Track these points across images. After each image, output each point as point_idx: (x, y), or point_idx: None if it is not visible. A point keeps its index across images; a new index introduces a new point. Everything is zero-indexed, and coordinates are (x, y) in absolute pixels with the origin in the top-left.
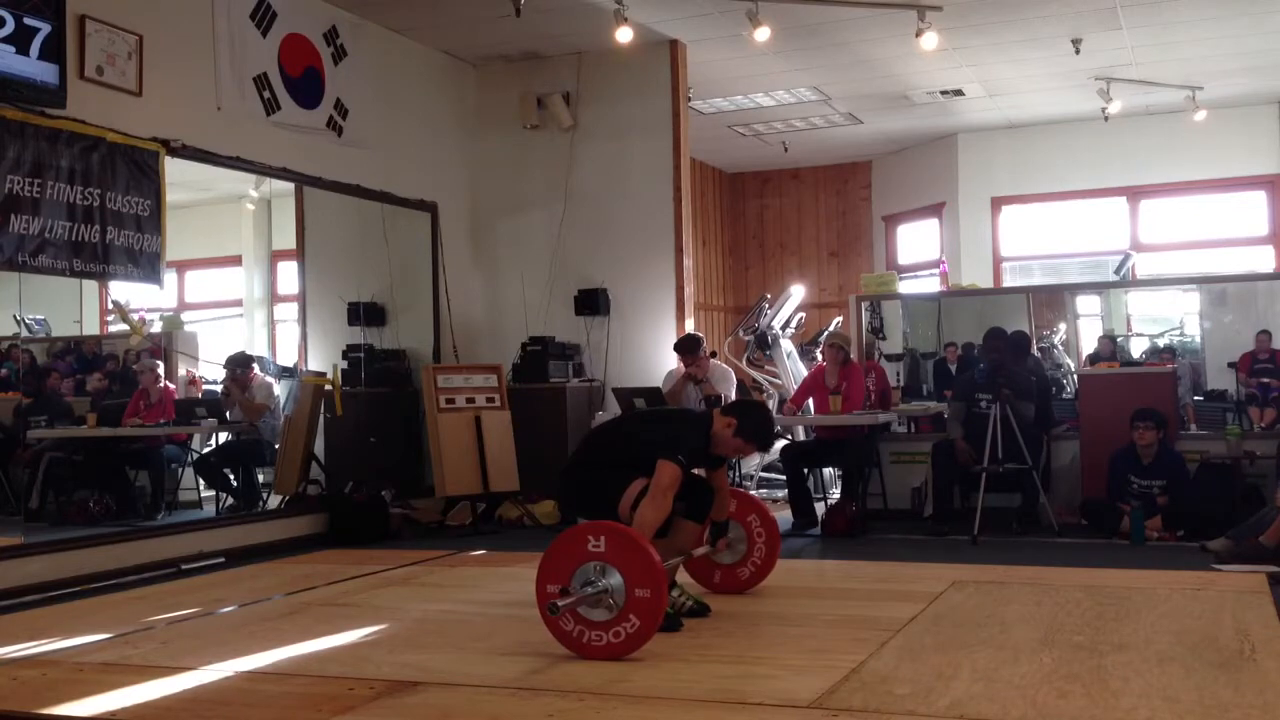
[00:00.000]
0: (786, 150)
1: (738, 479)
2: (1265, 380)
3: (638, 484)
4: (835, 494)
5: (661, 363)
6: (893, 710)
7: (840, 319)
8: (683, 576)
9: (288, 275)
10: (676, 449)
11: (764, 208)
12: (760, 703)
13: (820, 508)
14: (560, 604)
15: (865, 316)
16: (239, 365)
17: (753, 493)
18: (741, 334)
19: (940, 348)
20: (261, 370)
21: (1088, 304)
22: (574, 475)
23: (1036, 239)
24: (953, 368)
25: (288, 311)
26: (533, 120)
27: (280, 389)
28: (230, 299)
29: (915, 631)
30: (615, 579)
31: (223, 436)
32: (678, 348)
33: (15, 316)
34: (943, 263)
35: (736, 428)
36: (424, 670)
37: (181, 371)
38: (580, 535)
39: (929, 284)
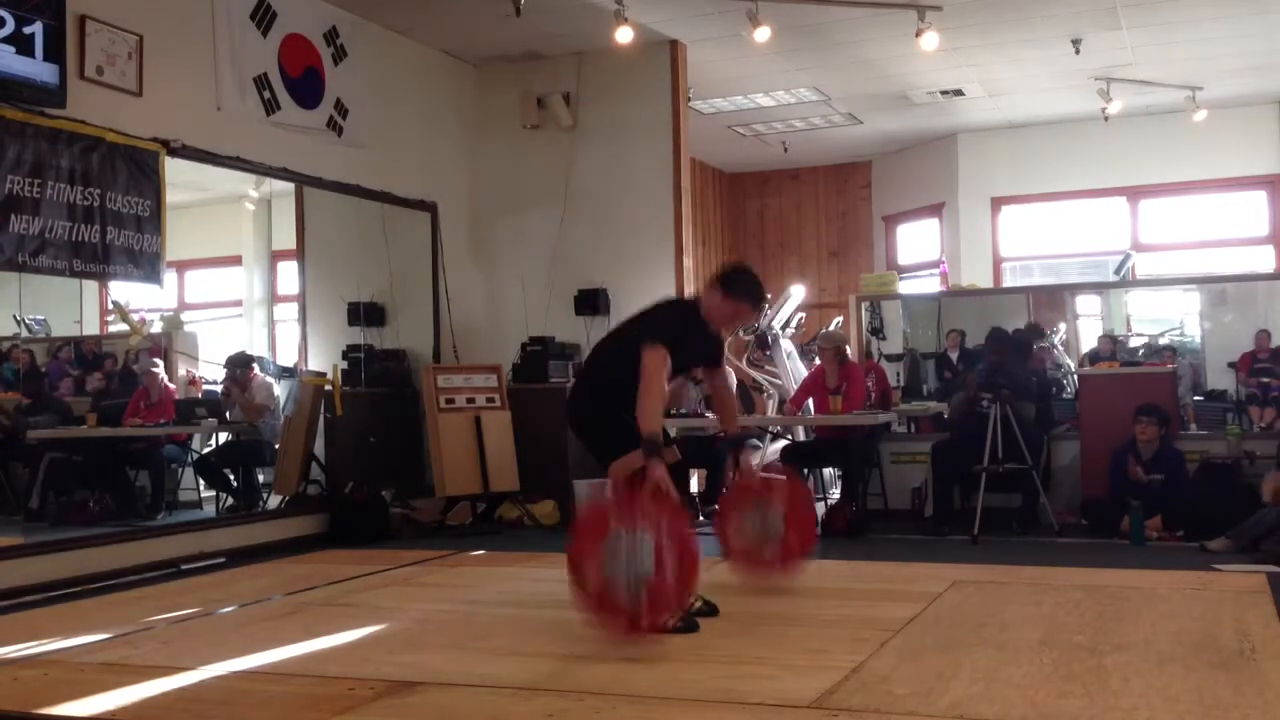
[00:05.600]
0: (786, 150)
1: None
2: (1265, 380)
3: (633, 457)
4: (835, 494)
5: None
6: (893, 710)
7: (840, 319)
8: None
9: (288, 275)
10: (654, 334)
11: (764, 208)
12: (760, 703)
13: (820, 508)
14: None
15: (865, 316)
16: (239, 365)
17: None
18: (741, 334)
19: (940, 346)
20: (261, 370)
21: (1088, 304)
22: (580, 403)
23: (1036, 239)
24: (954, 355)
25: (288, 311)
26: (533, 120)
27: (280, 389)
28: (230, 299)
29: (915, 631)
30: (648, 551)
31: (223, 436)
32: None
33: (15, 316)
34: (943, 263)
35: (723, 290)
36: (424, 670)
37: (181, 371)
38: (613, 511)
39: (929, 284)
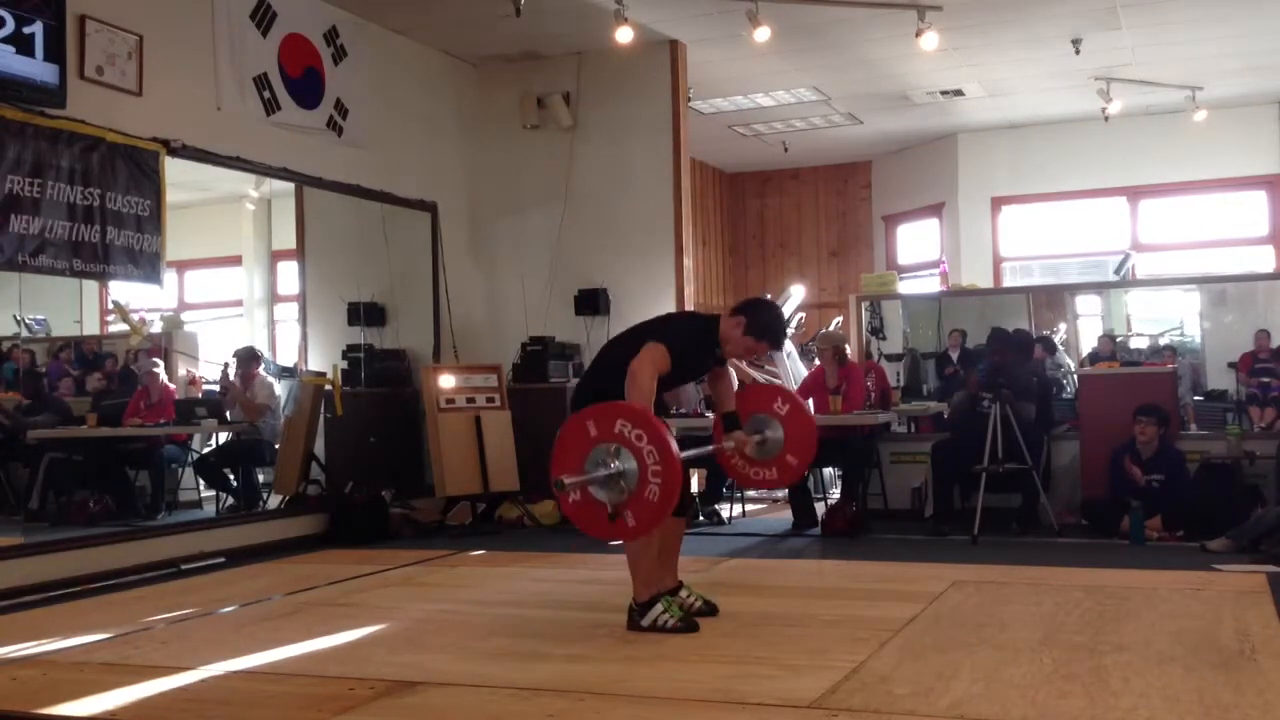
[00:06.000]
0: (786, 150)
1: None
2: (1265, 380)
3: None
4: (835, 494)
5: None
6: (893, 710)
7: (840, 319)
8: (689, 572)
9: (288, 275)
10: (662, 337)
11: (764, 208)
12: (760, 703)
13: (820, 508)
14: (567, 481)
15: (865, 316)
16: (246, 360)
17: (750, 493)
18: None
19: (940, 346)
20: (263, 370)
21: (1088, 304)
22: (584, 391)
23: (1036, 239)
24: (954, 354)
25: (288, 311)
26: (533, 120)
27: (280, 389)
28: (230, 299)
29: (915, 631)
30: (630, 462)
31: (223, 436)
32: None
33: (15, 316)
34: (943, 263)
35: (746, 325)
36: (424, 670)
37: (181, 371)
38: (595, 418)
39: (929, 284)
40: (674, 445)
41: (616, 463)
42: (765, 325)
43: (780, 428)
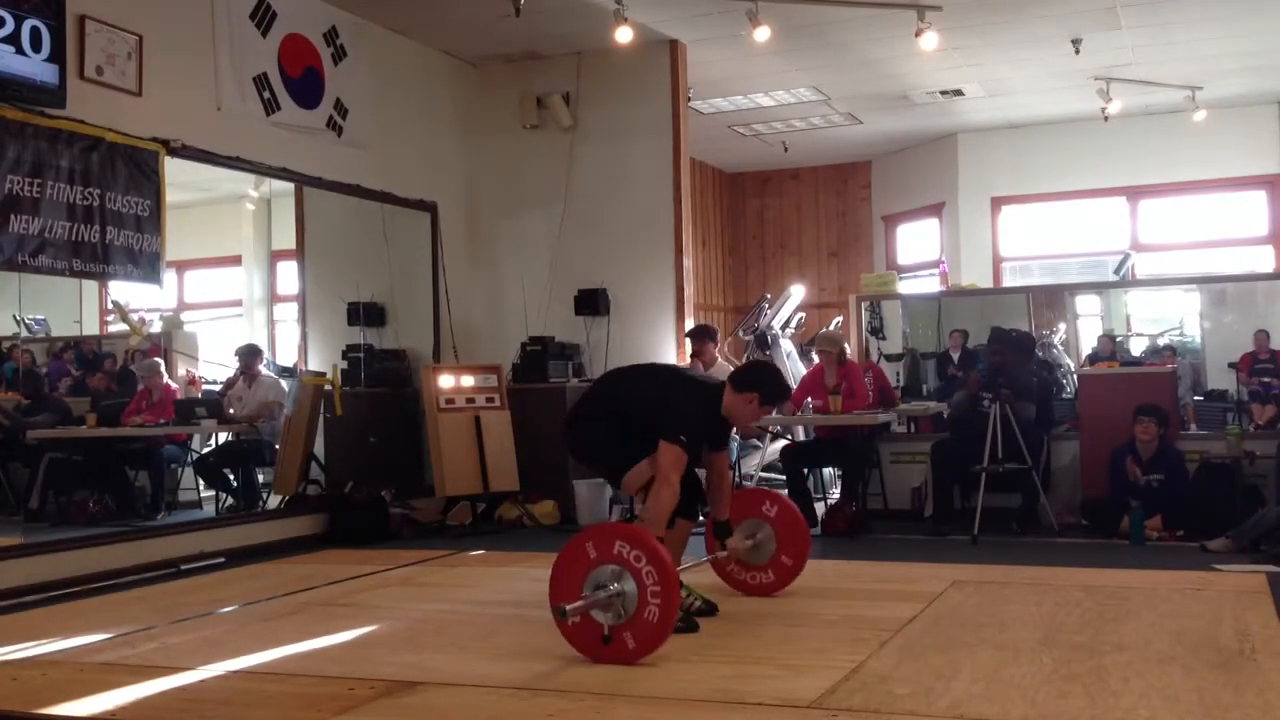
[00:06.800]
0: (786, 150)
1: (737, 478)
2: (1266, 379)
3: (644, 466)
4: (835, 494)
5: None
6: (893, 710)
7: (840, 319)
8: (690, 572)
9: (288, 275)
10: (677, 429)
11: (764, 208)
12: (760, 703)
13: (820, 508)
14: (569, 608)
15: (865, 316)
16: (249, 356)
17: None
18: (741, 334)
19: (940, 346)
20: (263, 368)
21: (1088, 304)
22: (583, 426)
23: (1036, 239)
24: (955, 354)
25: (288, 311)
26: (533, 120)
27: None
28: (230, 299)
29: (915, 631)
30: (629, 584)
31: (222, 436)
32: (690, 334)
33: (15, 316)
34: (943, 263)
35: (760, 399)
36: (424, 670)
37: (181, 371)
38: (594, 539)
39: (929, 284)
40: (673, 566)
41: (616, 584)
42: (775, 392)
43: (771, 530)
